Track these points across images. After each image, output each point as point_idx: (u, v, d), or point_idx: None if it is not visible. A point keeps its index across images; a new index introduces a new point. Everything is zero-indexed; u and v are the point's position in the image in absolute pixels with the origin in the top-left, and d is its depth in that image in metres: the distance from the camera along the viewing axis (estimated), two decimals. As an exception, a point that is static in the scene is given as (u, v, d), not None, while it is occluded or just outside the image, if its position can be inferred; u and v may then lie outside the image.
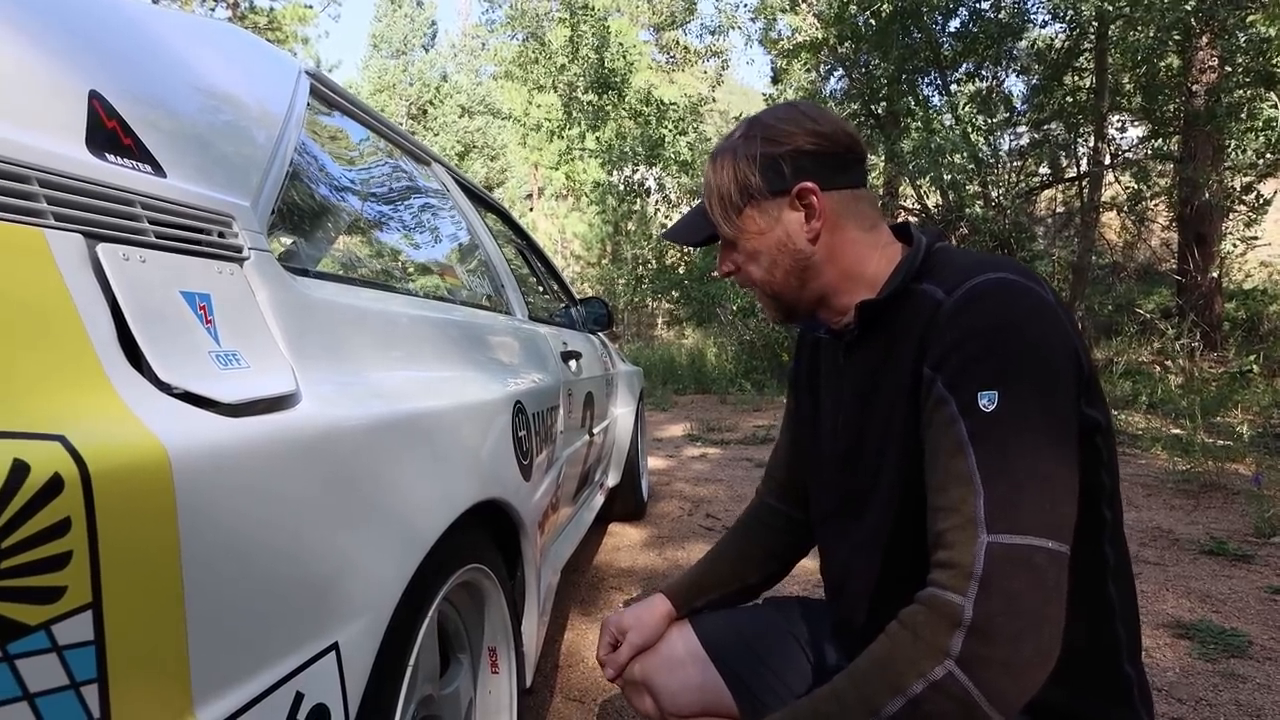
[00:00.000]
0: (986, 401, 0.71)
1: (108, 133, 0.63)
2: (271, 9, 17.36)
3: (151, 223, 0.62)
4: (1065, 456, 0.71)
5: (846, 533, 0.94)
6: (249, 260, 0.72)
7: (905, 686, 0.67)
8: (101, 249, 0.55)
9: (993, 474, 0.69)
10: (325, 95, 1.23)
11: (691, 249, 10.14)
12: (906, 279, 0.84)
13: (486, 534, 1.13)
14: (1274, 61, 7.39)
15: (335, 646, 0.66)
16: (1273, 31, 7.06)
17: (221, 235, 0.70)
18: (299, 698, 0.61)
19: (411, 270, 1.49)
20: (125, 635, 0.45)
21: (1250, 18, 7.36)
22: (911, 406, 0.80)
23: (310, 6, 17.77)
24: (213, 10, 16.47)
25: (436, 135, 25.77)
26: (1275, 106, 7.59)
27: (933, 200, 9.39)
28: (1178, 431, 4.70)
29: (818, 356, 1.04)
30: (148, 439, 0.48)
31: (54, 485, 0.41)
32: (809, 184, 0.85)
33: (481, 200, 2.16)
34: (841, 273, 0.89)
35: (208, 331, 0.61)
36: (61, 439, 0.43)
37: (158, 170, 0.67)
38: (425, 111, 26.85)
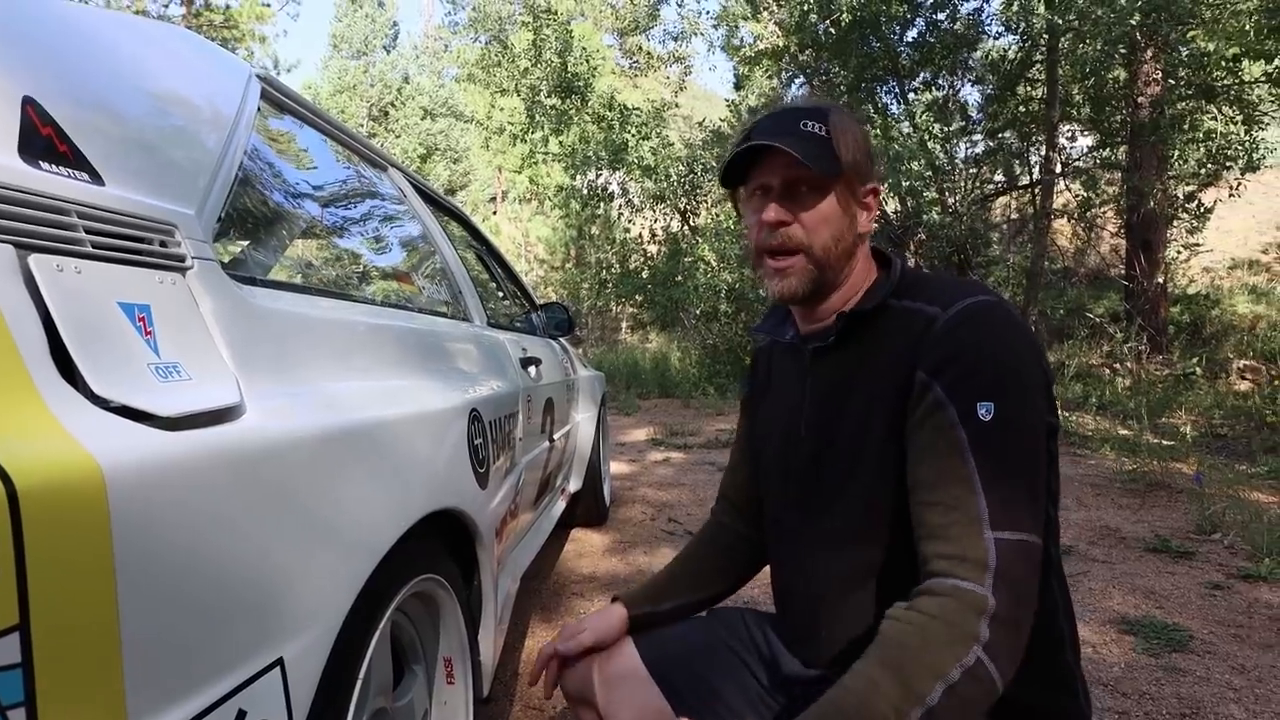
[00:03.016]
0: (984, 411, 0.78)
1: (42, 140, 0.62)
2: (228, 7, 16.99)
3: (88, 232, 0.60)
4: (1042, 459, 0.81)
5: (805, 538, 0.96)
6: (192, 270, 0.71)
7: (945, 672, 0.71)
8: (34, 260, 0.53)
9: (991, 477, 0.77)
10: (277, 99, 1.21)
11: (655, 250, 10.16)
12: (888, 296, 0.90)
13: (441, 543, 1.12)
14: (1214, 75, 7.69)
15: (280, 661, 0.65)
16: (1212, 46, 7.34)
17: (163, 244, 0.69)
18: (241, 715, 0.60)
19: (366, 277, 1.47)
20: (55, 657, 0.44)
21: (1191, 33, 7.64)
22: (895, 411, 0.85)
23: (268, 4, 17.43)
24: (166, 7, 16.08)
25: (398, 137, 25.42)
26: (1215, 119, 7.89)
27: (891, 206, 9.55)
28: (1125, 432, 4.85)
29: (770, 369, 1.07)
30: (80, 455, 0.47)
31: (-22, 504, 0.40)
32: (879, 186, 0.94)
33: (439, 205, 2.14)
34: (857, 273, 0.94)
35: (146, 343, 0.60)
36: (-14, 457, 0.42)
37: (95, 178, 0.65)
38: (387, 113, 26.47)
